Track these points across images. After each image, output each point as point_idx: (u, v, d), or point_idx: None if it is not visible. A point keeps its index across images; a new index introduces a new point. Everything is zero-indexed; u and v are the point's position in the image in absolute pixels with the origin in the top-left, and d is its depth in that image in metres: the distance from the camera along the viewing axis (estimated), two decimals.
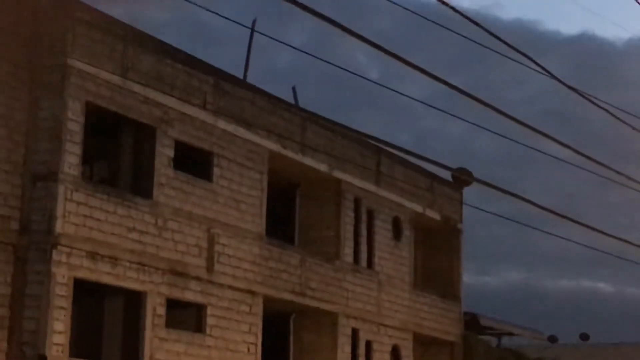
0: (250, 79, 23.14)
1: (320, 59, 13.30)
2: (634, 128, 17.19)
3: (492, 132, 15.90)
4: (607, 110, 15.17)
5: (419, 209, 27.34)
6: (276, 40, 13.02)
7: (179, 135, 20.11)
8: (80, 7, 18.33)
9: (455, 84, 11.70)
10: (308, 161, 23.66)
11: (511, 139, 16.09)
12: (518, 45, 12.91)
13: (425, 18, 13.34)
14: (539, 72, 14.02)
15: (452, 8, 9.79)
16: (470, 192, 29.00)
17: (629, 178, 17.10)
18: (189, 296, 20.04)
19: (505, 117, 11.98)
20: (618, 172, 16.04)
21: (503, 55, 13.78)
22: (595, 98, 15.54)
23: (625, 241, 17.97)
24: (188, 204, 20.18)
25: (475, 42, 13.53)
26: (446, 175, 28.32)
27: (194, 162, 20.58)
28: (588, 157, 14.35)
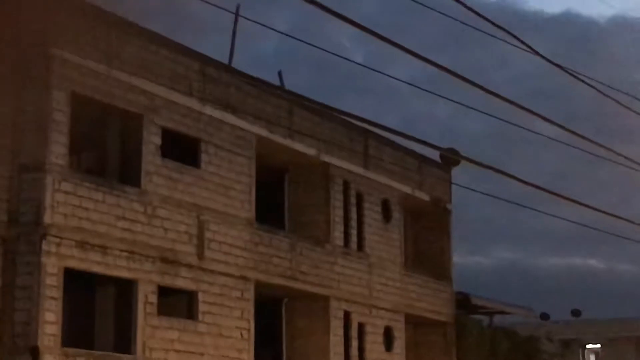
0: (235, 65, 23.08)
1: (306, 42, 13.27)
2: (620, 103, 17.20)
3: (479, 111, 15.92)
4: (593, 87, 15.18)
5: (408, 190, 27.36)
6: (261, 24, 12.99)
7: (166, 123, 20.06)
8: None
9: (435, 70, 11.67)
10: (296, 146, 23.63)
11: (498, 118, 16.11)
12: (501, 25, 12.90)
13: None
14: (525, 51, 14.02)
15: None
16: (458, 173, 29.04)
17: (617, 154, 17.13)
18: (181, 283, 20.04)
19: (493, 95, 11.97)
20: (606, 148, 16.07)
21: (488, 34, 13.77)
22: (581, 75, 15.56)
23: (614, 215, 18.02)
24: (177, 191, 20.15)
25: (460, 22, 13.51)
26: (434, 156, 28.34)
27: (181, 150, 20.54)
28: (576, 134, 14.37)
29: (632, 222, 19.80)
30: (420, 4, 13.49)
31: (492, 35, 13.78)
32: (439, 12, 13.82)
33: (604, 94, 16.20)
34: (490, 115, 16.16)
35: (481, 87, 11.71)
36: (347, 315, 24.66)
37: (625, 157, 17.83)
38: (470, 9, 11.08)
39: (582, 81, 14.85)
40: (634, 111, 18.38)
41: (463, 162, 25.39)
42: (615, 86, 18.25)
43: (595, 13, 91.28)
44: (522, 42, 12.64)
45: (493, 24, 11.88)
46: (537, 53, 13.21)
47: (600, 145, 15.99)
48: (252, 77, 19.02)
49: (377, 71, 15.00)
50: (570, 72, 14.44)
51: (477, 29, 13.70)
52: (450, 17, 13.82)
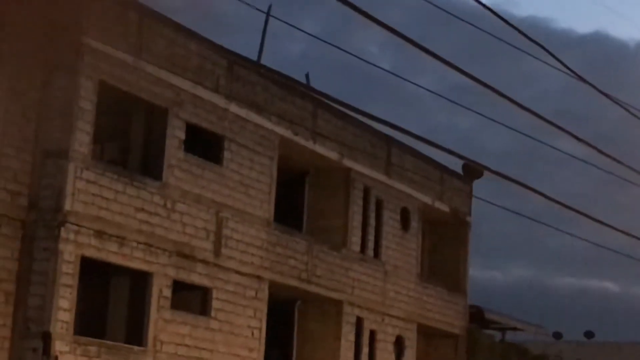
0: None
1: (334, 45, 13.25)
2: None
3: (504, 125, 15.85)
4: (623, 107, 15.07)
5: (428, 200, 27.28)
6: (292, 26, 12.98)
7: (191, 118, 20.09)
8: None
9: (463, 79, 11.63)
10: (318, 149, 23.60)
11: (522, 133, 16.04)
12: (535, 40, 12.82)
13: (442, 9, 13.27)
14: (553, 69, 13.92)
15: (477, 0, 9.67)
16: (479, 187, 28.93)
17: None
18: (195, 279, 20.04)
19: (521, 108, 11.90)
20: (631, 169, 15.94)
21: (519, 49, 13.70)
22: (613, 96, 15.45)
23: (634, 236, 17.88)
24: (197, 186, 20.16)
25: (492, 35, 13.46)
26: (456, 167, 28.27)
27: (204, 145, 20.56)
28: (602, 153, 14.27)
29: None
30: (453, 15, 13.45)
31: (522, 50, 13.71)
32: (471, 24, 13.77)
33: (634, 115, 16.08)
34: (514, 130, 16.10)
35: (510, 99, 11.65)
36: (359, 322, 24.60)
37: None
38: (506, 21, 11.01)
39: (614, 101, 14.73)
40: None
41: (485, 175, 25.29)
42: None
43: (624, 35, 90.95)
44: (555, 58, 12.54)
45: (528, 38, 11.80)
46: (570, 70, 13.11)
47: (625, 165, 15.87)
48: (279, 74, 18.92)
49: (402, 78, 14.97)
50: (602, 91, 14.33)
51: (508, 44, 13.64)
52: (482, 29, 13.77)
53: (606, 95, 14.36)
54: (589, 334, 45.76)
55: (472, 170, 27.80)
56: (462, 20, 13.85)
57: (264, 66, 22.20)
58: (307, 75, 25.20)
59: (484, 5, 10.41)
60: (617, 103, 14.71)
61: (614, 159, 14.85)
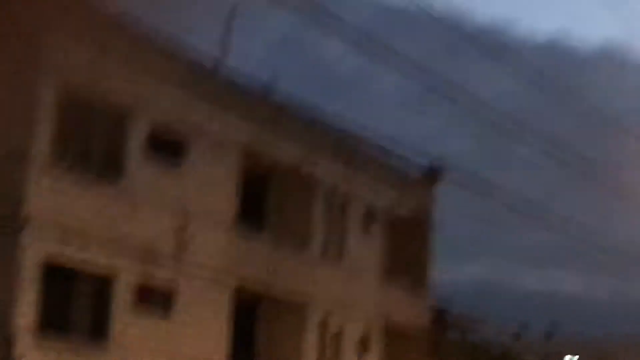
0: (226, 67, 23.01)
1: (299, 44, 13.29)
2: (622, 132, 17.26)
3: (466, 126, 15.98)
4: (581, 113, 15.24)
5: (391, 201, 27.36)
6: (261, 18, 12.99)
7: (153, 118, 20.01)
8: None
9: (425, 84, 11.72)
10: (282, 150, 23.61)
11: (486, 135, 16.20)
12: (489, 48, 12.94)
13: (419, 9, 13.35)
14: (511, 74, 14.07)
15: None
16: (442, 188, 29.06)
17: (600, 172, 17.20)
18: (159, 280, 19.98)
19: (484, 109, 12.01)
20: (587, 163, 16.11)
21: (479, 53, 13.84)
22: (564, 101, 15.63)
23: (592, 233, 18.10)
24: (160, 188, 20.10)
25: (462, 37, 13.57)
26: (419, 168, 28.36)
27: (167, 146, 20.50)
28: (559, 153, 14.43)
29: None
30: (426, 11, 13.53)
31: (478, 57, 13.85)
32: (441, 22, 13.87)
33: (589, 118, 16.26)
34: (476, 130, 16.25)
35: (475, 99, 11.74)
36: (323, 322, 24.64)
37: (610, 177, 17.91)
38: (463, 30, 11.09)
39: (568, 107, 14.89)
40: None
41: (448, 176, 25.47)
42: (597, 114, 18.31)
43: (581, 43, 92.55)
44: (507, 66, 12.62)
45: (484, 46, 11.90)
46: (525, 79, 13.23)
47: (584, 159, 16.06)
48: (243, 76, 19.00)
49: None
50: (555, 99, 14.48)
51: (472, 45, 13.76)
52: (455, 31, 13.88)
53: (553, 99, 14.53)
54: (548, 335, 46.14)
55: (435, 171, 27.96)
56: (435, 20, 13.95)
57: (228, 68, 22.20)
58: (270, 77, 25.17)
59: (449, 15, 10.50)
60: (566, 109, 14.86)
61: (570, 160, 15.04)
